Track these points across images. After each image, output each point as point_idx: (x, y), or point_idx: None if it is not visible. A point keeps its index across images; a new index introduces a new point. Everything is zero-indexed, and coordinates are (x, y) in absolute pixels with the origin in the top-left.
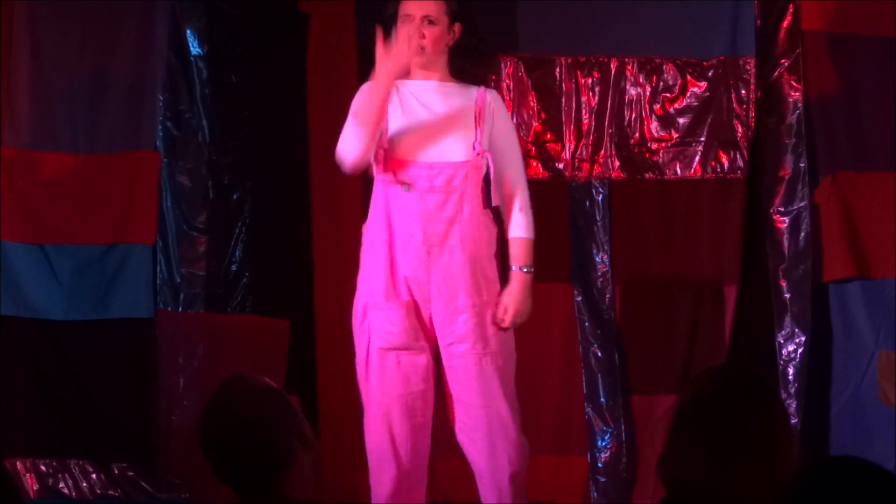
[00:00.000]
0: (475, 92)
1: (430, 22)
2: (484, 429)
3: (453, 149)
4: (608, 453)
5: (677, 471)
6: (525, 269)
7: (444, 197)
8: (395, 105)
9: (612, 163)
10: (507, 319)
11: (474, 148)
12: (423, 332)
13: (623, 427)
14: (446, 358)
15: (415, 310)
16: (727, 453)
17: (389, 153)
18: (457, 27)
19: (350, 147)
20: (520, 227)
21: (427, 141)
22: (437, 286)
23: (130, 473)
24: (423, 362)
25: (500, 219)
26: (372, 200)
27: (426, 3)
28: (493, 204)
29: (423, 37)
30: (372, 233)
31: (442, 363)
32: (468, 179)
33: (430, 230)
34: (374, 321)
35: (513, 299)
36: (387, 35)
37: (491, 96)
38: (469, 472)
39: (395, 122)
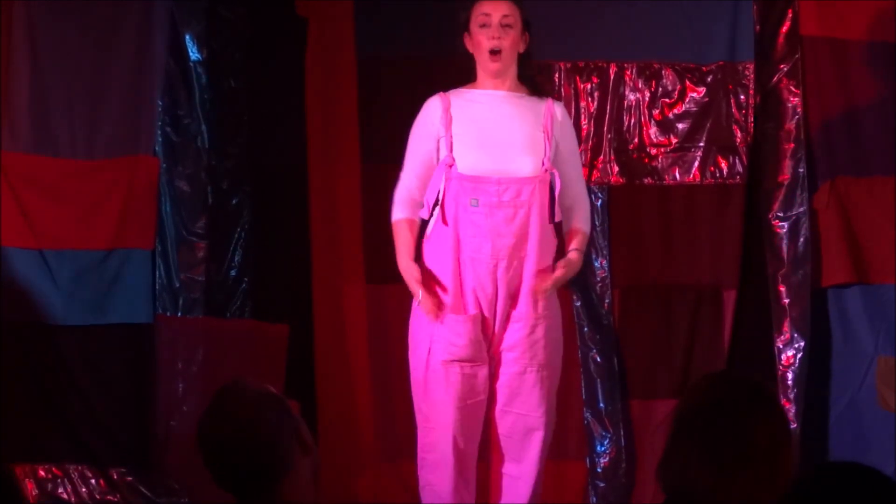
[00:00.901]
0: (543, 105)
1: (507, 25)
2: (518, 435)
3: (522, 164)
4: (607, 458)
5: (677, 478)
6: (577, 251)
7: (512, 212)
8: (463, 115)
9: (611, 168)
10: (548, 283)
11: (543, 164)
12: (487, 345)
13: (622, 432)
14: (496, 363)
15: (481, 323)
16: (727, 460)
17: (457, 167)
18: (527, 36)
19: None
20: (580, 229)
21: (496, 155)
22: (502, 297)
23: (129, 479)
24: (484, 374)
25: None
26: (437, 213)
27: (503, 4)
28: (557, 220)
29: (503, 38)
30: (437, 246)
31: (496, 373)
32: (535, 195)
33: (498, 244)
34: (439, 333)
35: (560, 268)
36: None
37: (559, 110)
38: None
39: (463, 134)
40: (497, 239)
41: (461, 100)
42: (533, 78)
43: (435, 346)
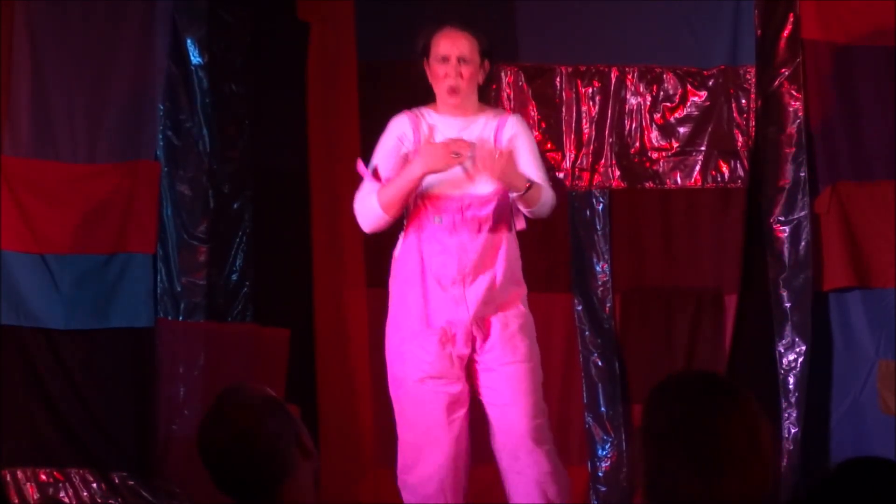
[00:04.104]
0: (497, 122)
1: (464, 61)
2: (517, 434)
3: (480, 182)
4: (608, 462)
5: (668, 494)
6: (526, 187)
7: (475, 227)
8: (428, 137)
9: (612, 172)
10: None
11: None
12: (459, 361)
13: (623, 436)
14: (479, 369)
15: (450, 338)
16: (714, 465)
17: (421, 186)
18: (486, 64)
19: (370, 221)
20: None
21: (456, 176)
22: (472, 309)
23: (131, 482)
24: (459, 389)
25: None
26: (403, 233)
27: (461, 43)
28: (518, 228)
29: (461, 76)
30: (404, 265)
31: (476, 378)
32: (496, 209)
33: (464, 259)
34: (410, 352)
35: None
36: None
37: (511, 123)
38: (498, 479)
39: None
40: (462, 255)
41: (425, 122)
42: (486, 96)
43: (407, 367)
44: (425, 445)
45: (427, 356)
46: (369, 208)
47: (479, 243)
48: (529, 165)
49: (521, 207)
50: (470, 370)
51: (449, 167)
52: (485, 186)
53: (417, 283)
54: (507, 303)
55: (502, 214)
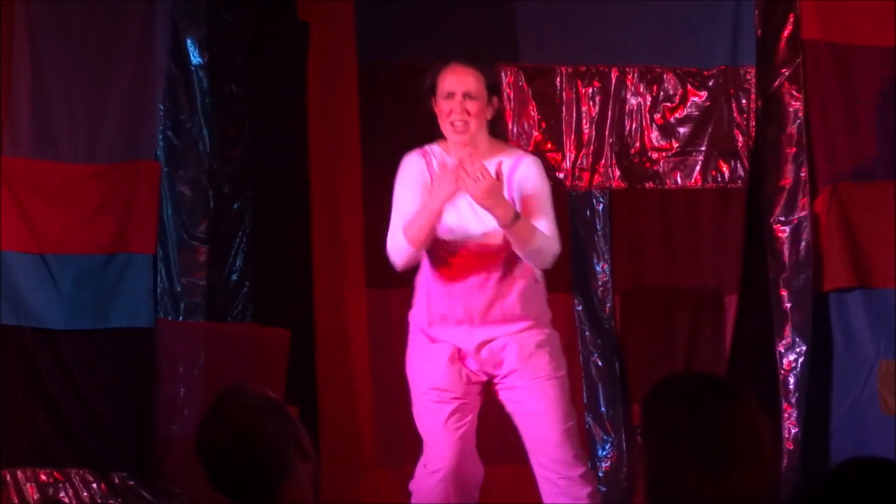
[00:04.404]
0: (510, 164)
1: (471, 97)
2: (546, 442)
3: (487, 224)
4: (609, 463)
5: (674, 495)
6: (514, 220)
7: (483, 270)
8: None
9: (612, 172)
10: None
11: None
12: (468, 376)
13: (624, 436)
14: (501, 388)
15: (461, 357)
16: (719, 465)
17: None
18: (495, 100)
19: (401, 258)
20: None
21: (465, 222)
22: (479, 341)
23: (130, 483)
24: (464, 400)
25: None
26: (416, 277)
27: (466, 79)
28: (537, 277)
29: (467, 112)
30: (418, 309)
31: (499, 394)
32: (499, 253)
33: (471, 304)
34: (420, 360)
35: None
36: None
37: (526, 164)
38: (524, 478)
39: None
40: (470, 300)
41: (435, 158)
42: (504, 134)
43: (416, 374)
44: (431, 449)
45: (437, 368)
46: (398, 245)
47: (487, 290)
48: (535, 210)
49: (515, 249)
50: (491, 388)
51: (461, 189)
52: (491, 233)
53: (426, 317)
54: (524, 330)
55: (511, 256)
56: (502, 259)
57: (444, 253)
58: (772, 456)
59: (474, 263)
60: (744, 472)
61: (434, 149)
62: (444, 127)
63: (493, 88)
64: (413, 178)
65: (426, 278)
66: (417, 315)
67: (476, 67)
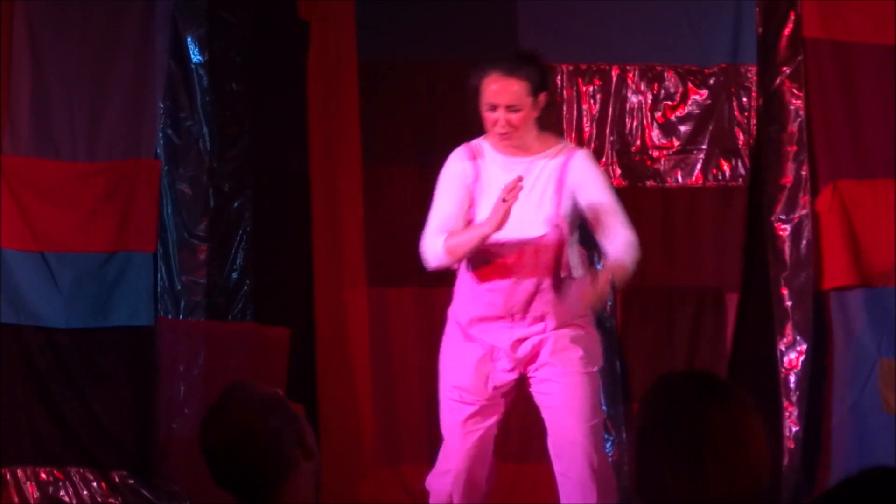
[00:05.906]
0: (561, 160)
1: (513, 109)
2: (568, 437)
3: (530, 224)
4: (610, 461)
5: (658, 494)
6: (627, 273)
7: (533, 270)
8: (483, 184)
9: (613, 170)
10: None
11: (552, 222)
12: (493, 381)
13: (624, 435)
14: (534, 381)
15: (493, 358)
16: (698, 462)
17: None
18: (542, 98)
19: (435, 263)
20: (622, 255)
21: (521, 220)
22: (520, 346)
23: (131, 481)
24: (484, 405)
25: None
26: (457, 277)
27: (508, 91)
28: (563, 274)
29: (510, 124)
30: (457, 308)
31: (530, 386)
32: (542, 253)
33: (510, 302)
34: (451, 357)
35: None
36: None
37: (578, 160)
38: (546, 476)
39: (482, 203)
40: (514, 298)
41: (482, 157)
42: (556, 124)
43: (445, 370)
44: (446, 445)
45: (464, 369)
46: (436, 252)
47: (527, 285)
48: (605, 211)
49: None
50: (524, 383)
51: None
52: (532, 227)
53: (460, 331)
54: (561, 326)
55: (551, 257)
56: (552, 258)
57: (494, 252)
58: (761, 456)
59: (525, 263)
60: (725, 472)
61: (483, 146)
62: (490, 133)
63: (540, 86)
64: (454, 179)
65: (470, 275)
66: (457, 311)
67: (518, 76)
